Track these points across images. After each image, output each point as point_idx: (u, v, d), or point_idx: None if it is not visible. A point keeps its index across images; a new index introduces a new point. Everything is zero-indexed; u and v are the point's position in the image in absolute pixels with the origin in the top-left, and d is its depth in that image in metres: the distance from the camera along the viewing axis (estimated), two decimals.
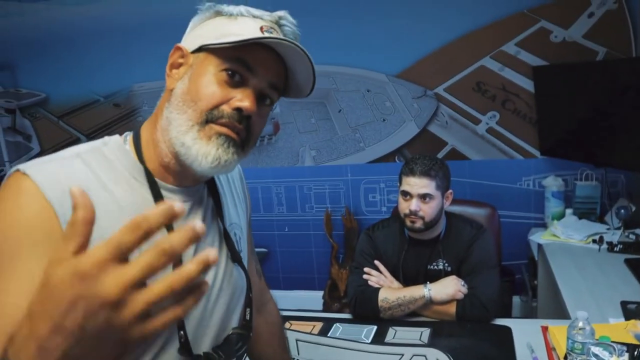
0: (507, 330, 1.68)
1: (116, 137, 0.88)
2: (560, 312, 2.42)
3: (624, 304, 1.78)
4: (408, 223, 1.87)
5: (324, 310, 3.46)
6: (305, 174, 3.50)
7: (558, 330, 1.61)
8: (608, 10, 2.83)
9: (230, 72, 0.81)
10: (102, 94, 3.74)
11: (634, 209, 2.56)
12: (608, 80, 2.61)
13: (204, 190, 0.94)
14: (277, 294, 3.95)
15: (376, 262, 1.93)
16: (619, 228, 2.56)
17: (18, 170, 0.76)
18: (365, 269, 1.91)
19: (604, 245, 2.34)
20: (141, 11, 3.42)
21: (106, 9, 3.48)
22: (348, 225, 3.39)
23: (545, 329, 1.67)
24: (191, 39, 0.86)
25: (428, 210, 1.83)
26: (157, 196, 0.83)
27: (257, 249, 3.66)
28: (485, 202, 2.39)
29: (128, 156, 0.84)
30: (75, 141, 3.87)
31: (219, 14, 0.86)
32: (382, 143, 3.32)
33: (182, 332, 0.85)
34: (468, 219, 2.01)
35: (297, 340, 1.66)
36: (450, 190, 1.92)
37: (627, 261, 2.16)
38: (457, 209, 2.18)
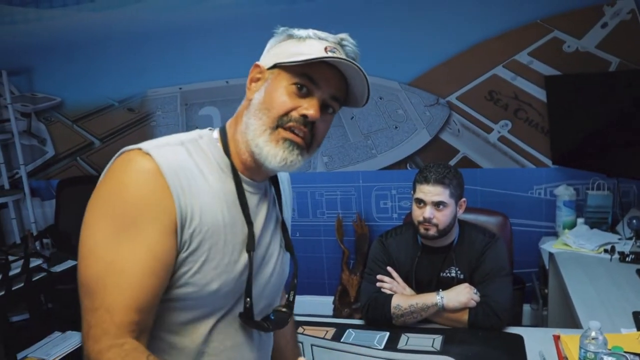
0: (519, 339, 1.70)
1: (207, 131, 1.02)
2: (571, 321, 2.43)
3: (636, 315, 1.78)
4: (422, 230, 1.88)
5: (334, 316, 3.48)
6: (317, 180, 3.53)
7: (570, 339, 1.62)
8: (622, 20, 2.84)
9: (298, 85, 0.95)
10: (117, 98, 3.79)
11: None
12: (621, 90, 2.62)
13: (268, 184, 1.08)
14: None
15: (389, 268, 1.95)
16: (630, 238, 2.56)
17: (140, 148, 0.88)
18: (378, 276, 1.93)
19: (616, 255, 2.34)
20: (155, 18, 3.47)
21: (121, 15, 3.53)
22: (359, 231, 3.41)
23: (557, 338, 1.68)
24: (267, 58, 1.00)
25: (442, 218, 1.85)
26: (239, 186, 0.97)
27: None
28: (496, 210, 2.40)
29: (218, 150, 0.98)
30: (89, 145, 3.93)
31: (290, 37, 1.01)
32: (394, 150, 3.34)
33: (248, 299, 0.98)
34: (481, 227, 2.02)
35: (312, 345, 1.68)
36: (463, 199, 1.94)
37: (638, 272, 2.17)
38: (469, 217, 2.19)
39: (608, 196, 2.80)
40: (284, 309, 1.08)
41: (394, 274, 1.94)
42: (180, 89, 3.65)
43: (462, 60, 3.11)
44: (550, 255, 2.56)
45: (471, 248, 1.92)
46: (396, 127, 3.32)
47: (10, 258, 2.54)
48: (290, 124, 0.94)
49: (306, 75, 0.94)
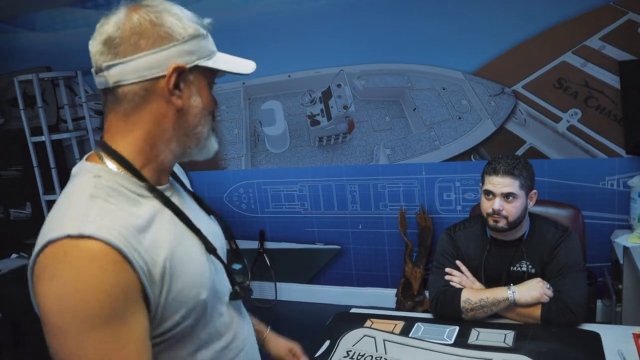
0: (596, 336, 1.65)
1: (95, 165, 0.91)
2: None
3: None
4: (491, 223, 1.86)
5: (396, 309, 3.49)
6: (380, 172, 3.53)
7: None
8: None
9: (214, 83, 0.99)
10: None
11: None
12: None
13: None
14: (350, 290, 4.04)
15: (457, 262, 1.94)
16: None
17: (69, 236, 0.78)
18: (447, 269, 1.92)
19: None
20: (213, 16, 3.55)
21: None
22: (422, 223, 3.39)
23: (637, 337, 1.62)
24: (175, 54, 0.93)
25: (512, 209, 1.82)
26: (166, 201, 0.94)
27: (330, 246, 3.74)
28: (568, 202, 2.33)
29: (127, 179, 0.90)
30: None
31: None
32: (458, 141, 3.30)
33: (236, 287, 1.06)
34: (553, 220, 1.97)
35: (384, 340, 1.69)
36: (534, 190, 1.89)
37: None
38: (539, 209, 2.14)
39: None
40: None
41: (463, 267, 1.92)
42: (243, 84, 3.74)
43: (529, 47, 3.01)
44: (625, 249, 2.46)
45: (543, 242, 1.88)
46: (460, 118, 3.26)
47: None
48: (216, 117, 1.01)
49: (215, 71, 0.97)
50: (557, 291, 1.75)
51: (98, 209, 0.82)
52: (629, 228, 2.87)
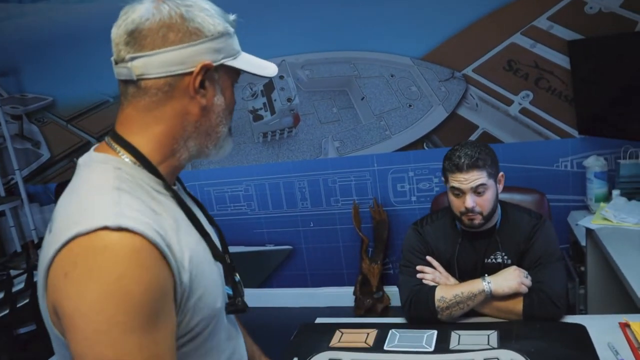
0: (582, 329, 1.54)
1: (110, 157, 0.87)
2: (618, 300, 2.29)
3: None
4: (466, 222, 1.72)
5: (355, 307, 3.35)
6: (329, 166, 3.36)
7: None
8: None
9: (236, 82, 0.96)
10: (111, 94, 3.58)
11: None
12: None
13: None
14: (305, 292, 3.85)
15: (428, 258, 1.79)
16: None
17: (107, 227, 0.72)
18: (418, 267, 1.77)
19: None
20: None
21: (110, 6, 3.31)
22: (377, 217, 3.25)
23: (624, 326, 1.53)
24: (201, 52, 0.90)
25: (485, 203, 1.69)
26: (180, 202, 0.89)
27: (281, 247, 3.54)
28: (533, 187, 2.24)
29: (144, 174, 0.86)
30: (86, 145, 3.73)
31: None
32: (409, 130, 3.17)
33: (239, 298, 0.98)
34: (524, 207, 1.86)
35: None
36: (501, 173, 1.77)
37: None
38: (505, 196, 2.03)
39: None
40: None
41: (435, 263, 1.78)
42: None
43: (477, 30, 2.92)
44: (589, 231, 2.40)
45: (517, 230, 1.76)
46: (410, 106, 3.14)
47: (13, 272, 2.36)
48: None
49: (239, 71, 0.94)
50: (537, 282, 1.64)
51: (127, 202, 0.78)
52: (586, 209, 2.85)
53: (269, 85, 3.32)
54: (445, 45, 3.00)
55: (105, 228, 0.72)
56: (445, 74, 3.04)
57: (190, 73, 0.84)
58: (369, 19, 3.04)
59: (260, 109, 3.38)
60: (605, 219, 2.37)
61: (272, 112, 3.36)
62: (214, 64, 0.86)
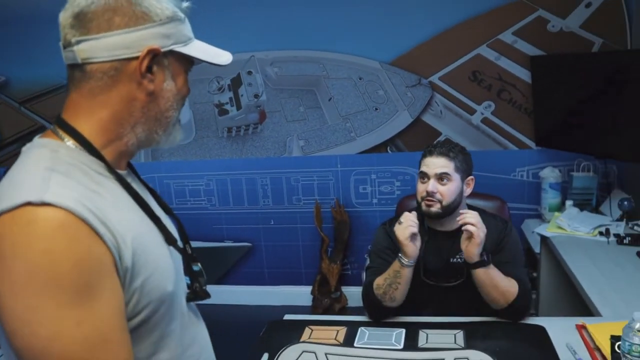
0: (542, 330, 1.62)
1: (52, 141, 0.85)
2: (567, 304, 2.41)
3: None
4: (424, 207, 1.78)
5: (313, 306, 3.36)
6: (293, 165, 3.36)
7: (596, 329, 1.56)
8: (605, 1, 2.82)
9: (189, 69, 0.95)
10: None
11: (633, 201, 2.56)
12: (603, 71, 2.60)
13: None
14: (262, 289, 3.83)
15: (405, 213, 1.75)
16: (619, 220, 2.55)
17: (30, 202, 0.71)
18: (402, 217, 1.73)
19: (612, 238, 2.32)
20: None
21: None
22: (338, 217, 3.28)
23: (581, 328, 1.61)
24: (147, 36, 0.88)
25: (445, 192, 1.76)
26: (124, 184, 0.88)
27: (240, 243, 3.51)
28: (494, 194, 2.33)
29: (85, 156, 0.85)
30: (40, 129, 3.57)
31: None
32: (374, 133, 3.22)
33: (197, 284, 0.98)
34: (490, 212, 1.94)
35: (326, 354, 1.53)
36: (471, 177, 1.85)
37: (639, 254, 2.15)
38: (468, 201, 2.09)
39: (593, 177, 2.78)
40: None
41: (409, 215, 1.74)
42: None
43: (445, 39, 3.00)
44: (544, 238, 2.51)
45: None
46: (376, 109, 3.19)
47: None
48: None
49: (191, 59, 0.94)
50: (515, 278, 1.70)
51: (57, 180, 0.76)
52: (539, 217, 2.97)
53: (236, 80, 3.30)
54: (413, 51, 3.06)
55: (29, 204, 0.71)
56: (412, 80, 3.11)
57: (137, 57, 0.83)
58: (341, 20, 3.07)
59: (227, 103, 3.35)
60: (560, 227, 2.48)
61: (239, 108, 3.33)
62: (162, 49, 0.85)
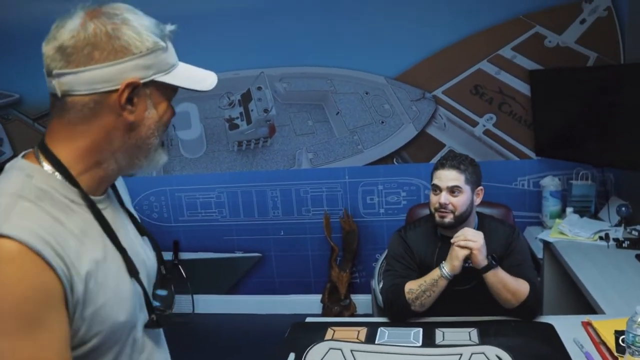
0: (551, 327, 1.73)
1: (30, 164, 0.86)
2: (570, 306, 2.52)
3: None
4: (437, 218, 1.89)
5: (323, 314, 3.46)
6: (302, 177, 3.48)
7: (601, 325, 1.67)
8: (599, 17, 2.97)
9: (172, 96, 0.95)
10: None
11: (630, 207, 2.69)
12: (598, 84, 2.76)
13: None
14: (272, 299, 3.92)
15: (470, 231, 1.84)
16: (617, 225, 2.68)
17: None
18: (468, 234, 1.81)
19: (612, 242, 2.44)
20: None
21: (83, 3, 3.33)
22: (347, 227, 3.39)
23: (587, 325, 1.72)
24: (124, 68, 0.89)
25: (457, 203, 1.86)
26: (97, 213, 0.89)
27: (250, 254, 3.61)
28: (500, 202, 2.44)
29: (60, 183, 0.86)
30: None
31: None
32: (380, 145, 3.35)
33: (153, 315, 0.98)
34: (499, 219, 2.05)
35: (352, 350, 1.63)
36: (480, 187, 1.96)
37: (638, 257, 2.27)
38: (478, 209, 2.21)
39: (592, 186, 2.91)
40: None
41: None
42: None
43: (448, 54, 3.15)
44: (547, 244, 2.63)
45: (494, 238, 1.92)
46: (382, 122, 3.32)
47: None
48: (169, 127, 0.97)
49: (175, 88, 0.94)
50: (527, 279, 1.81)
51: (21, 209, 0.78)
52: (540, 224, 3.09)
53: (246, 95, 3.42)
54: (418, 67, 3.20)
55: None
56: (416, 94, 3.24)
57: (117, 90, 0.84)
58: (347, 37, 3.21)
59: (237, 118, 3.47)
60: (562, 232, 2.61)
61: (249, 122, 3.46)
62: (142, 81, 0.85)
